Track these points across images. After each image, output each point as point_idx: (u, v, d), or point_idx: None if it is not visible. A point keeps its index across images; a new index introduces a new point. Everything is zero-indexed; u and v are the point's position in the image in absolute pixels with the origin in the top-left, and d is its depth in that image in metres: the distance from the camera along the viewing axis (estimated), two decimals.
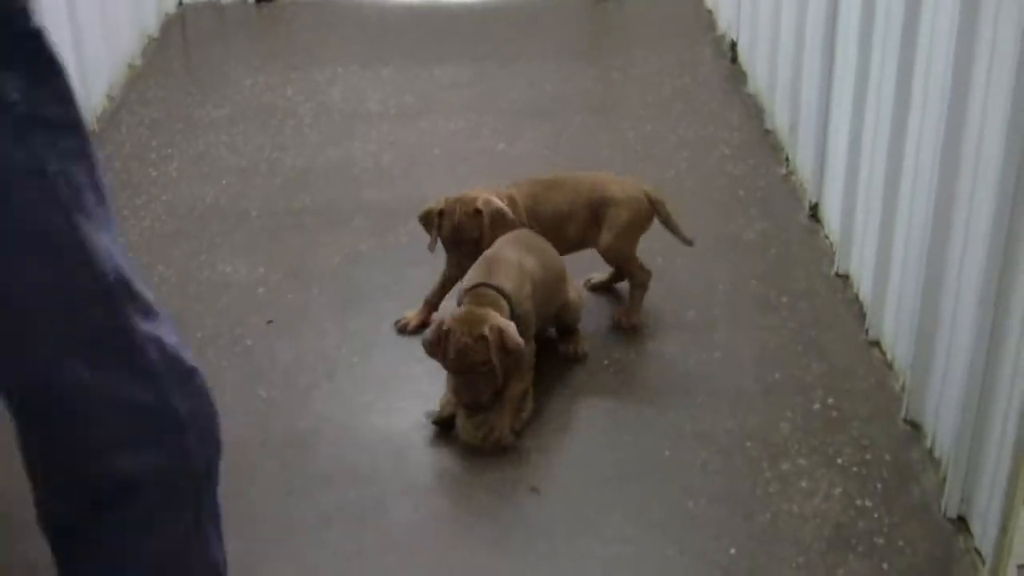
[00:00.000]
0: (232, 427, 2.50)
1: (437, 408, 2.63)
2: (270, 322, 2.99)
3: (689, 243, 2.98)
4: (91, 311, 1.48)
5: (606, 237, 2.91)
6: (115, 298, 1.49)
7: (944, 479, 2.37)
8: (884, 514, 2.35)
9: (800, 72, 3.49)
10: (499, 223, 2.85)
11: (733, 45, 4.47)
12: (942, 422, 2.43)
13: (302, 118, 4.20)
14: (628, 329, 2.92)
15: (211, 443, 1.69)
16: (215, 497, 1.72)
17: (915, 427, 2.56)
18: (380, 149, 3.94)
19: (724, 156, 3.80)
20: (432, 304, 2.96)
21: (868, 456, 2.51)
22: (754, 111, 4.06)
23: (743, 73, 4.31)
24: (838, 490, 2.42)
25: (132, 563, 1.66)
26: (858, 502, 2.39)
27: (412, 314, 2.95)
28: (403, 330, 2.93)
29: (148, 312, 1.55)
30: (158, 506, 1.62)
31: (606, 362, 2.85)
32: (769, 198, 3.52)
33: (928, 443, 2.50)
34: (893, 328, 2.74)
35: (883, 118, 2.73)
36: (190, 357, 1.62)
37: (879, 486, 2.43)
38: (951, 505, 2.31)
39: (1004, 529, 2.12)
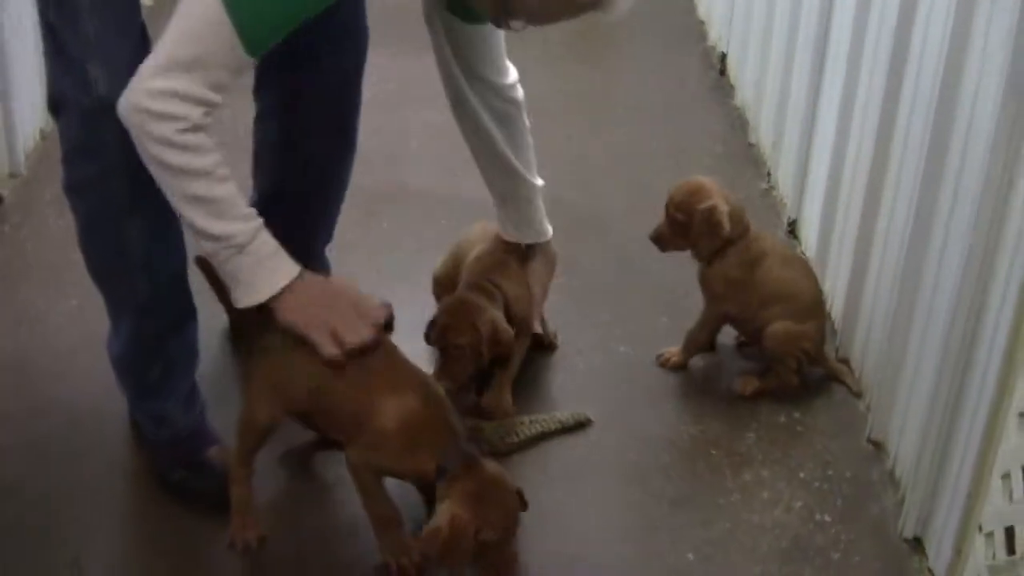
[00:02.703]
0: (219, 405, 2.54)
1: None
2: None
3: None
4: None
5: (783, 326, 2.69)
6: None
7: (903, 499, 2.41)
8: (842, 530, 2.39)
9: (788, 88, 3.52)
10: (708, 230, 2.68)
11: (723, 57, 4.50)
12: (904, 444, 2.47)
13: None
14: (747, 395, 2.74)
15: (82, 148, 2.18)
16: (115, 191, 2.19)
17: (878, 447, 2.60)
18: (364, 137, 3.90)
19: (705, 166, 3.81)
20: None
21: (830, 472, 2.54)
22: (739, 124, 4.09)
23: (731, 86, 4.34)
24: (799, 503, 2.46)
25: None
26: (817, 516, 2.42)
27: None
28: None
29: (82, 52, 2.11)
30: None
31: (581, 365, 2.87)
32: (748, 211, 3.53)
33: (890, 464, 2.54)
34: (862, 348, 2.78)
35: (866, 140, 2.76)
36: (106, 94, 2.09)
37: (839, 502, 2.46)
38: (908, 526, 2.35)
39: (958, 552, 2.16)
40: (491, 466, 2.16)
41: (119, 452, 2.51)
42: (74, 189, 2.26)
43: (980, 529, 2.05)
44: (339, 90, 2.65)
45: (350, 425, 2.19)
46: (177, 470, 2.40)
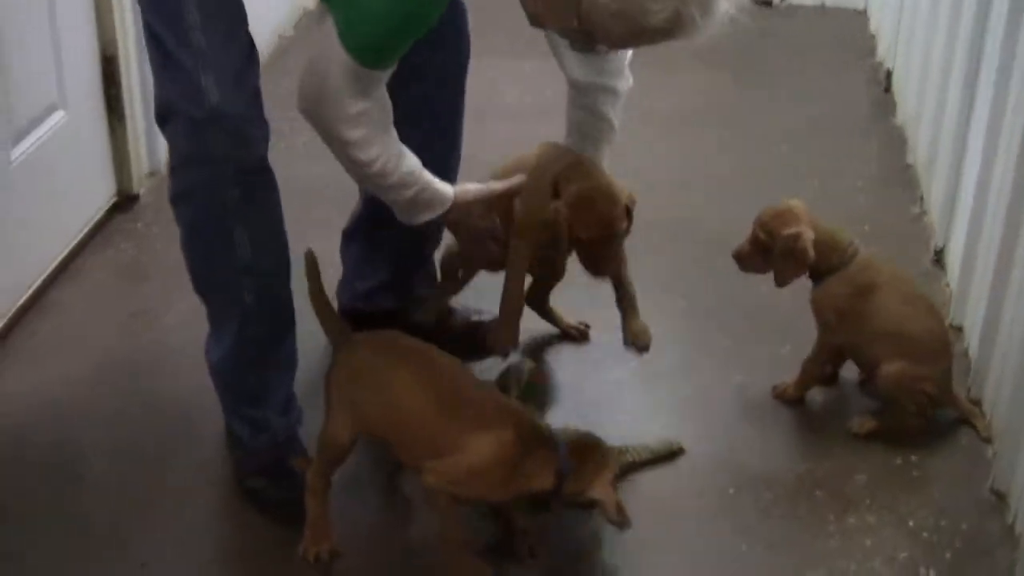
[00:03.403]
0: (313, 412, 2.50)
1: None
2: None
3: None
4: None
5: (898, 367, 2.51)
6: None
7: (1020, 558, 2.20)
8: None
9: (943, 106, 3.30)
10: (790, 260, 2.55)
11: (888, 74, 4.27)
12: None
13: None
14: (862, 435, 2.57)
15: (193, 144, 2.18)
16: (235, 195, 2.19)
17: (1000, 498, 2.39)
18: (507, 145, 3.86)
19: (856, 188, 3.63)
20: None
21: (943, 522, 2.35)
22: (898, 143, 3.87)
23: (894, 103, 4.12)
24: (903, 554, 2.28)
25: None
26: (922, 570, 2.24)
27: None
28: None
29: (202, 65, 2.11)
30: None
31: (691, 392, 2.74)
32: (895, 237, 3.33)
33: (1011, 517, 2.33)
34: (995, 390, 2.56)
35: (1009, 166, 2.55)
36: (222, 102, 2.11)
37: (948, 555, 2.27)
38: None
39: None
40: (573, 432, 2.20)
41: (202, 457, 2.51)
42: (182, 198, 2.28)
43: None
44: (442, 97, 2.62)
45: (428, 450, 2.14)
46: (259, 477, 2.39)
